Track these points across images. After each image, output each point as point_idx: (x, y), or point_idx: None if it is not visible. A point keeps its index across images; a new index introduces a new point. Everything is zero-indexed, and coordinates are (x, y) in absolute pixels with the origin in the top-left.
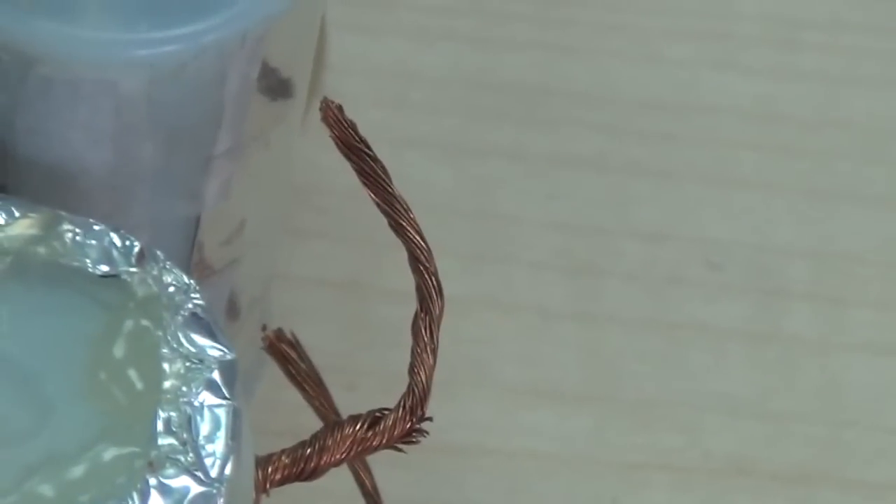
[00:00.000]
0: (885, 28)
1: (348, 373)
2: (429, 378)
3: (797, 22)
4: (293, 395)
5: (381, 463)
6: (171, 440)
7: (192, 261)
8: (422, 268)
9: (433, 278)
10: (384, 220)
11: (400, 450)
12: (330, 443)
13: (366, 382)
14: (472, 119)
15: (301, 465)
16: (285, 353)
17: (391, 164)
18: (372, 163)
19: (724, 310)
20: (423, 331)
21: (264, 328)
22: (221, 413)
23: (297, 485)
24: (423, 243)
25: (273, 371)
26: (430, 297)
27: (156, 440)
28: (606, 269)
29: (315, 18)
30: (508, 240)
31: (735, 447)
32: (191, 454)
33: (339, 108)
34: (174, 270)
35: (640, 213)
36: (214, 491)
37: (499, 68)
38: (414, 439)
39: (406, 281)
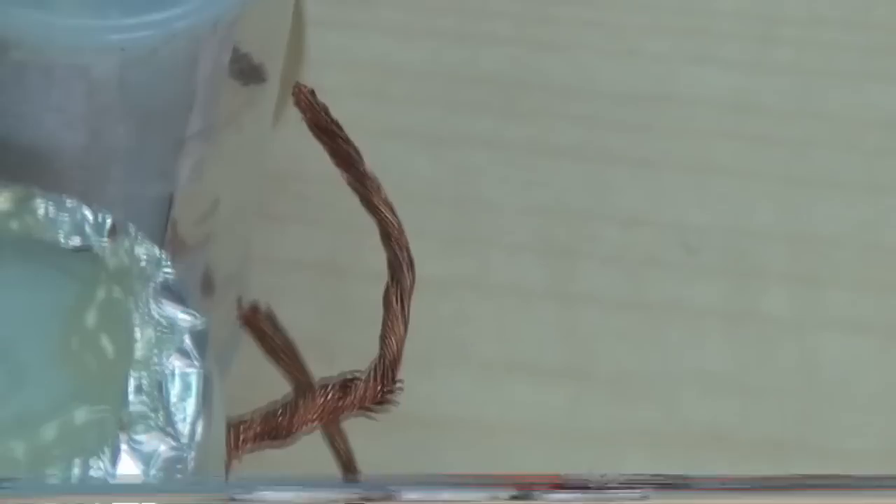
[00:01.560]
0: (859, 23)
1: (326, 351)
2: (399, 346)
3: (773, 18)
4: (272, 375)
5: (360, 435)
6: (142, 402)
7: (166, 238)
8: (392, 241)
9: (404, 251)
10: (363, 206)
11: (371, 416)
12: (301, 406)
13: (343, 361)
14: (452, 112)
15: (273, 428)
16: (260, 326)
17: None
18: (343, 143)
19: (701, 291)
20: (393, 301)
21: (239, 301)
22: (192, 378)
23: (275, 457)
24: (393, 219)
25: (252, 350)
26: (401, 268)
27: (127, 402)
28: (584, 252)
29: (287, 4)
30: (487, 225)
31: (711, 421)
32: (161, 415)
33: (311, 92)
34: (145, 243)
35: (617, 199)
36: (185, 453)
37: (479, 64)
38: (385, 403)
39: (384, 262)
